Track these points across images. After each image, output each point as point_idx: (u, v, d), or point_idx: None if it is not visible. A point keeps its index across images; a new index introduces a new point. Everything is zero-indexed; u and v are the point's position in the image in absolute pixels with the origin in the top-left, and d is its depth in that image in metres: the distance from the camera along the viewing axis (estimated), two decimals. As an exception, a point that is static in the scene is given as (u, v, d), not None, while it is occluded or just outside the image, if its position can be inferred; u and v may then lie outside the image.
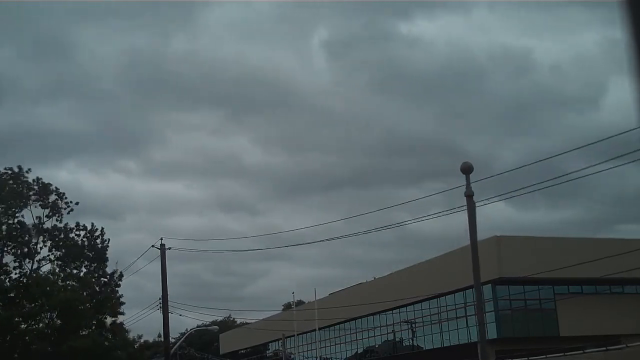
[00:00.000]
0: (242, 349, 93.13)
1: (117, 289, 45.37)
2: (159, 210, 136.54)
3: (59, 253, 44.26)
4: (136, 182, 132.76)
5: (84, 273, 44.51)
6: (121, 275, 45.97)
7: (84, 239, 45.33)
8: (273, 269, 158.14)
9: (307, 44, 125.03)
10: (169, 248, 40.47)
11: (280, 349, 73.49)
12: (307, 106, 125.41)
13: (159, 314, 40.81)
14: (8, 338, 39.24)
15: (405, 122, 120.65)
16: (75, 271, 44.36)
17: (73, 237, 44.99)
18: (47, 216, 44.68)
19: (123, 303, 45.04)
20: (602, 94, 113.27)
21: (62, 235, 44.54)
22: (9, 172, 43.91)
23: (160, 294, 40.79)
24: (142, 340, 45.78)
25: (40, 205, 44.40)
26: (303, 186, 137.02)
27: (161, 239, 40.54)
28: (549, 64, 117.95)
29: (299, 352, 72.81)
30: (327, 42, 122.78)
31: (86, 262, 45.16)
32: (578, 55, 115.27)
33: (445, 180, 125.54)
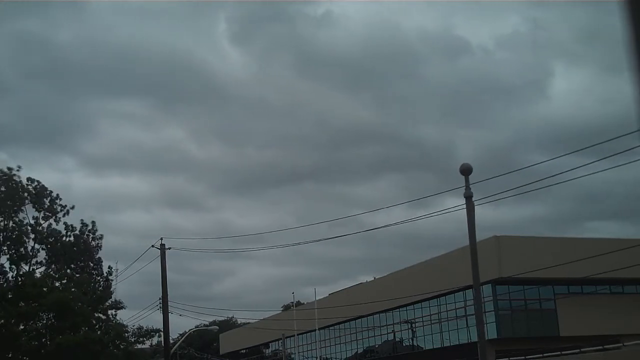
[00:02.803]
0: (242, 349, 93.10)
1: (112, 285, 45.52)
2: (103, 207, 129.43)
3: (53, 258, 44.39)
4: (74, 177, 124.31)
5: (78, 272, 44.58)
6: (110, 274, 46.15)
7: (72, 238, 45.51)
8: (233, 269, 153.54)
9: (211, 27, 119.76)
10: (169, 248, 40.23)
11: (280, 349, 73.48)
12: (233, 96, 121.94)
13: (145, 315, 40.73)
14: (3, 339, 39.23)
15: (343, 110, 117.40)
16: (68, 271, 44.43)
17: (66, 239, 45.07)
18: (43, 218, 44.90)
19: (120, 303, 45.07)
20: (545, 79, 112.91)
21: (53, 239, 44.65)
22: (1, 173, 43.92)
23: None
24: (143, 330, 45.31)
25: (35, 208, 44.53)
26: (251, 181, 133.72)
27: (161, 239, 40.27)
28: (481, 46, 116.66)
29: (299, 352, 72.80)
30: (230, 24, 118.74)
31: (79, 262, 45.26)
32: (505, 37, 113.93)
33: (406, 173, 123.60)
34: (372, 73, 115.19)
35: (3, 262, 43.72)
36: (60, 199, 45.51)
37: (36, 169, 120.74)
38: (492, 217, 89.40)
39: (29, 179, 44.54)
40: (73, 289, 41.30)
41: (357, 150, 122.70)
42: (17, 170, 44.23)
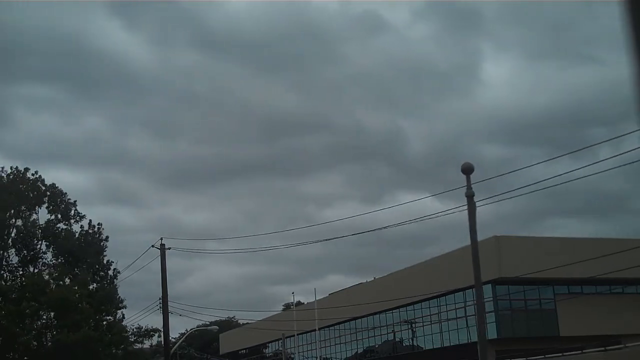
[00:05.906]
0: (242, 349, 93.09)
1: (116, 287, 45.40)
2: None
3: (61, 259, 44.30)
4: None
5: (82, 271, 44.50)
6: (115, 275, 46.07)
7: (82, 237, 45.43)
8: (190, 268, 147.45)
9: (93, 14, 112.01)
10: (169, 248, 40.15)
11: (280, 349, 73.47)
12: (147, 84, 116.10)
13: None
14: (4, 338, 39.23)
15: (268, 97, 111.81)
16: (76, 270, 44.31)
17: (76, 241, 44.94)
18: (54, 220, 44.83)
19: (122, 300, 45.06)
20: (474, 62, 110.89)
21: (63, 236, 44.54)
22: (15, 172, 43.98)
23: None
24: (143, 329, 45.24)
25: (49, 210, 44.54)
26: (190, 176, 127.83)
27: (161, 238, 40.23)
28: (397, 22, 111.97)
29: (299, 352, 72.80)
30: (110, 14, 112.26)
31: (86, 261, 45.19)
32: (421, 11, 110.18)
33: (363, 163, 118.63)
34: (281, 53, 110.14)
35: (14, 262, 43.81)
36: (76, 205, 45.59)
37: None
38: (458, 215, 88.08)
39: (42, 181, 44.69)
40: (75, 287, 41.22)
41: (297, 141, 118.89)
42: (34, 174, 44.45)
